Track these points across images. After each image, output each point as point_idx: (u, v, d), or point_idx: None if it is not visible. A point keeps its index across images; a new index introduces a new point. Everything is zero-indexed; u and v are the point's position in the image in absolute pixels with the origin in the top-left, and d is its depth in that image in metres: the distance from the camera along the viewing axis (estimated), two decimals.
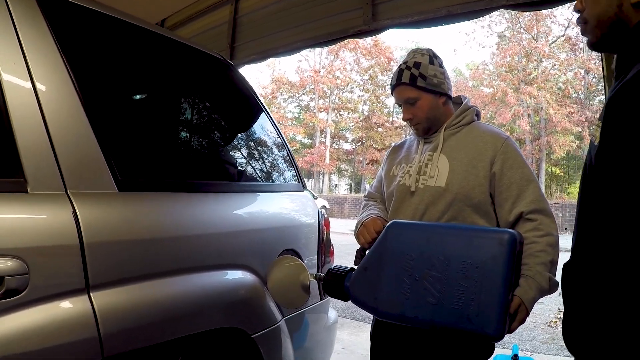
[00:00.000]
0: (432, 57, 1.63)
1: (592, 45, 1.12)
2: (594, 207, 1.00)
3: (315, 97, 30.30)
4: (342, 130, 31.78)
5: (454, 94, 1.71)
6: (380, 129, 29.73)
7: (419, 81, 1.58)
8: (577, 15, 1.12)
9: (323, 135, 30.19)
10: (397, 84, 1.63)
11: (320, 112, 30.28)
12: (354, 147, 31.39)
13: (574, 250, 1.05)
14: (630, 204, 0.87)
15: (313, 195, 2.34)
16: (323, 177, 30.06)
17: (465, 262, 1.24)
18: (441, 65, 1.64)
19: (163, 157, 1.58)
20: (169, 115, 1.74)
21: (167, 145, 1.67)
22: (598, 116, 1.06)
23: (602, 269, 0.93)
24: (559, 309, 5.44)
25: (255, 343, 1.54)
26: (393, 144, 1.90)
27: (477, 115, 1.68)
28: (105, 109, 1.37)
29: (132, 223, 1.26)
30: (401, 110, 1.68)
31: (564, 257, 1.16)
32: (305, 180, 2.14)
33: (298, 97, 31.77)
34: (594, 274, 0.95)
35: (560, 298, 1.09)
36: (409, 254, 1.33)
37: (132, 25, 1.56)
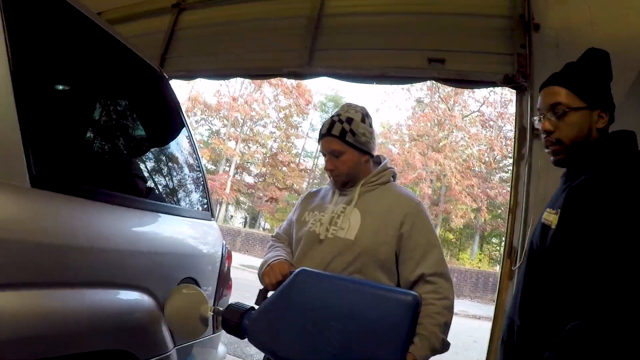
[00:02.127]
0: (365, 116, 1.66)
1: (559, 162, 1.30)
2: (550, 281, 1.19)
3: (227, 124, 29.89)
4: (248, 162, 31.47)
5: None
6: (285, 168, 29.91)
7: (348, 136, 1.61)
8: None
9: (228, 164, 29.63)
10: (326, 134, 1.64)
11: (230, 140, 29.86)
12: (256, 181, 31.15)
13: (522, 313, 1.27)
14: (586, 278, 1.07)
15: None
16: (220, 206, 29.22)
17: (368, 319, 1.27)
18: (371, 125, 1.68)
19: (81, 160, 1.45)
20: (93, 118, 1.61)
21: (88, 148, 1.54)
22: (548, 205, 1.30)
23: (555, 329, 1.11)
24: None
25: None
26: (309, 190, 1.89)
27: (394, 176, 1.75)
28: (35, 93, 1.23)
29: (32, 223, 1.13)
30: (325, 159, 1.69)
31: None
32: None
33: (210, 121, 31.12)
34: (549, 334, 1.15)
35: None
36: (314, 303, 1.34)
37: (80, 14, 1.45)
